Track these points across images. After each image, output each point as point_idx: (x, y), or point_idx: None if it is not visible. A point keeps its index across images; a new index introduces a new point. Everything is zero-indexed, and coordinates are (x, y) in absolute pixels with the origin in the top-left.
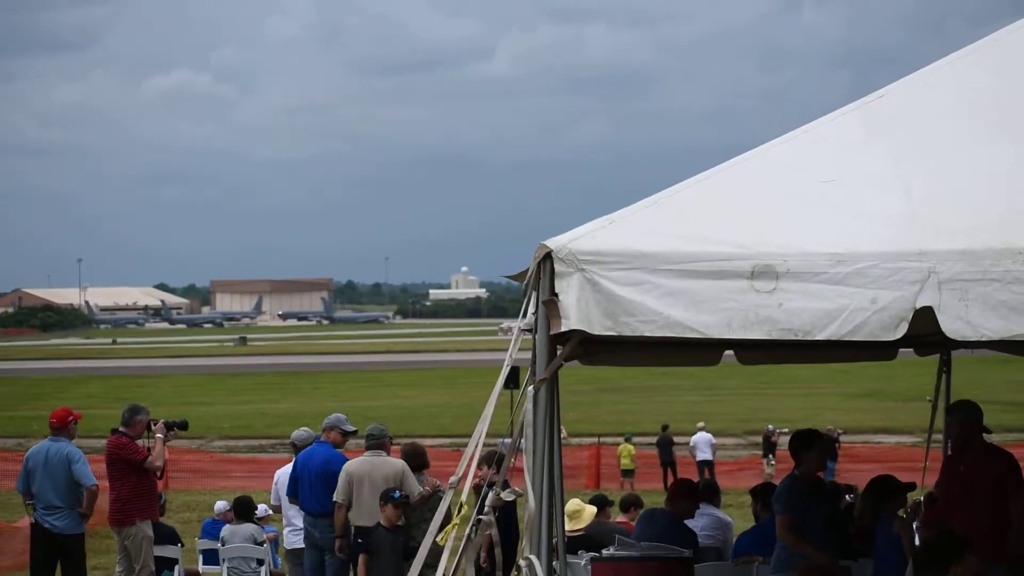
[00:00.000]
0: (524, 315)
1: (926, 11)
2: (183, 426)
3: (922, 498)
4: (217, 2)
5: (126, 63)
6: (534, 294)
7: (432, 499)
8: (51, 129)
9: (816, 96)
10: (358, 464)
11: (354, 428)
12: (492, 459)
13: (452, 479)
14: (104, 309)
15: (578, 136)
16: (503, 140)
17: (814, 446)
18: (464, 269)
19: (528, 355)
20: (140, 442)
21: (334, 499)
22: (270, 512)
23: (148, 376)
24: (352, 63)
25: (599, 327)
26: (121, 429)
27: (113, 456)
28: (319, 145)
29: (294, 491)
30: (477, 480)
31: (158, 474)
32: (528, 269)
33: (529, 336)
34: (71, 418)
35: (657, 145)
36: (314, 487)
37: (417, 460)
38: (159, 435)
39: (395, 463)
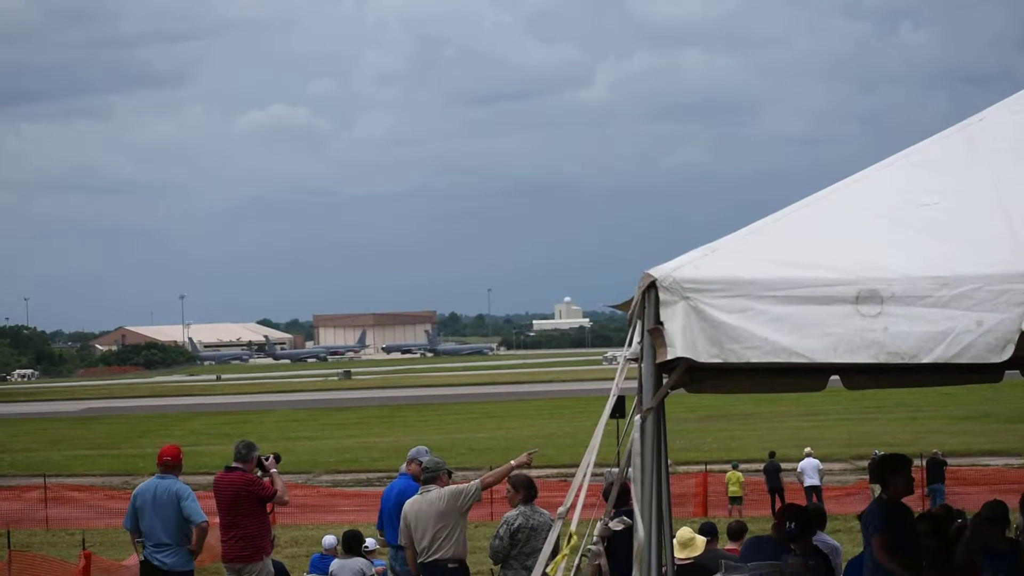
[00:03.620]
0: (629, 344)
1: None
2: (277, 459)
3: None
4: (313, 36)
5: (222, 98)
6: (639, 323)
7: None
8: (148, 165)
9: (914, 118)
10: (411, 503)
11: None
12: (607, 487)
13: (561, 509)
14: (207, 346)
15: (676, 162)
16: (602, 168)
17: (900, 470)
18: (567, 299)
19: (634, 384)
20: None
21: (398, 541)
22: (378, 546)
23: (252, 412)
24: (448, 94)
25: (705, 355)
26: (238, 465)
27: (241, 492)
28: (418, 178)
29: (381, 523)
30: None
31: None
32: (632, 298)
33: (635, 365)
34: (181, 455)
35: (756, 170)
36: (392, 520)
37: (527, 491)
38: (274, 470)
39: (441, 495)
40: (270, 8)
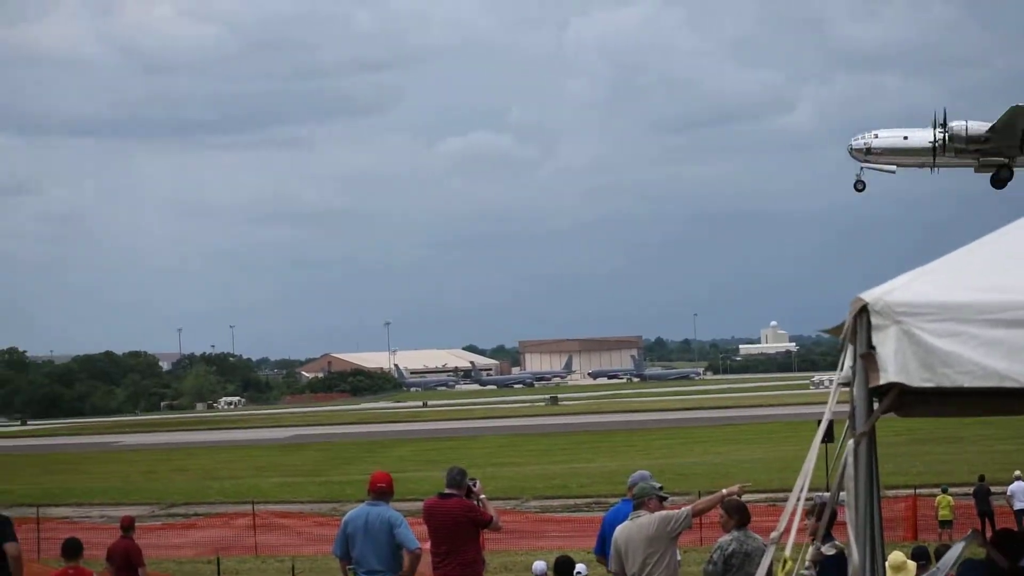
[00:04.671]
0: (841, 368)
1: None
2: None
3: None
4: (512, 65)
5: (421, 127)
6: (851, 347)
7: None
8: (350, 194)
9: None
10: (620, 529)
11: (659, 485)
12: (817, 511)
13: (773, 534)
14: (413, 372)
15: (878, 186)
16: (804, 192)
17: None
18: (773, 323)
19: (843, 408)
20: None
21: (610, 567)
22: (588, 572)
23: (459, 438)
24: (648, 122)
25: (917, 379)
26: (453, 491)
27: (462, 519)
28: (619, 204)
29: (600, 549)
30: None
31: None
32: (843, 322)
33: (846, 389)
34: (392, 482)
35: (959, 193)
36: None
37: (741, 516)
38: (482, 495)
39: (651, 520)
40: (468, 37)
